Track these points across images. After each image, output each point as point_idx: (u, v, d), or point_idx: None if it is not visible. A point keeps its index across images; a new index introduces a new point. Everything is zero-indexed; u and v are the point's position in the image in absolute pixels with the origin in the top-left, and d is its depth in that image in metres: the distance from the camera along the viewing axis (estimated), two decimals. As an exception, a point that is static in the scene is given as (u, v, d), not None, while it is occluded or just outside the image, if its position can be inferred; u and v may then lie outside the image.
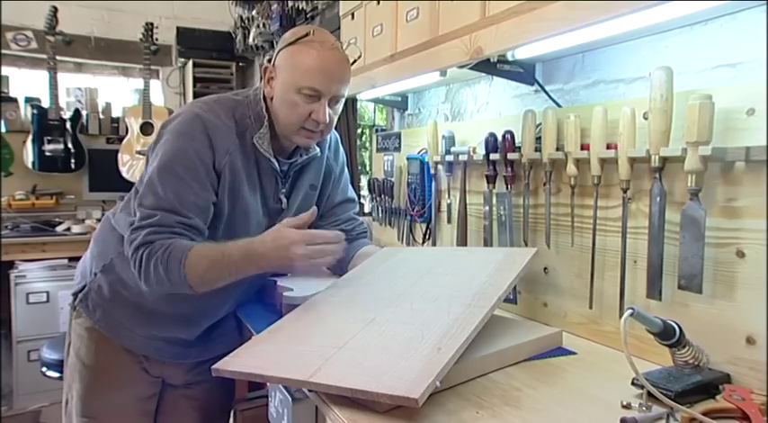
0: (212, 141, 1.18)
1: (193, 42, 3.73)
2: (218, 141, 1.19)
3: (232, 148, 1.21)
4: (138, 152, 3.38)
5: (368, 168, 3.34)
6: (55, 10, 3.28)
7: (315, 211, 1.19)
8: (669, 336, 0.93)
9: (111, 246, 1.31)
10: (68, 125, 3.42)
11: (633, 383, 0.91)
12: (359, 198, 3.38)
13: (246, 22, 3.53)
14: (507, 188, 1.40)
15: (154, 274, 1.11)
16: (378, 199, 2.10)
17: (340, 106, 1.26)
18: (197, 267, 1.10)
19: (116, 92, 3.90)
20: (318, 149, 1.36)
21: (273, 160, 1.26)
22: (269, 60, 1.27)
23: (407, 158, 1.87)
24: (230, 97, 1.28)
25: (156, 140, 1.23)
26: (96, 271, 1.31)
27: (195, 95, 3.67)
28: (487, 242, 1.49)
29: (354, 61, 1.28)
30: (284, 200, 1.32)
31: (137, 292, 1.25)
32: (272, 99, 1.24)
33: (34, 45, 3.47)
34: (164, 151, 1.18)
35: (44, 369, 2.28)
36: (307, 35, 1.20)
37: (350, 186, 1.54)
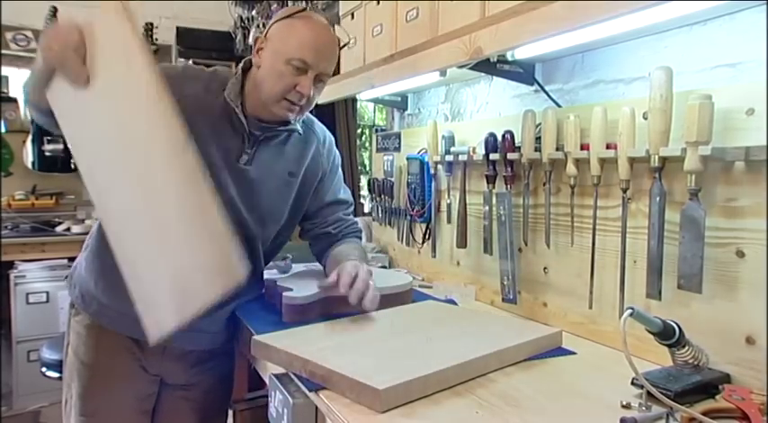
0: (181, 81, 1.21)
1: (193, 42, 3.72)
2: (188, 83, 1.23)
3: (201, 94, 1.24)
4: (138, 152, 3.38)
5: (368, 168, 3.34)
6: (55, 10, 3.28)
7: None
8: (669, 336, 0.93)
9: (95, 231, 1.36)
10: (68, 125, 3.41)
11: (633, 383, 0.91)
12: (359, 198, 3.39)
13: (246, 22, 3.52)
14: (507, 188, 1.40)
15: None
16: (378, 199, 2.10)
17: (322, 87, 1.28)
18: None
19: (116, 92, 3.89)
20: (299, 127, 1.35)
21: (239, 111, 1.25)
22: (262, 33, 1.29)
23: (407, 158, 1.87)
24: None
25: None
26: (84, 248, 1.38)
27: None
28: (487, 242, 1.49)
29: (344, 45, 1.32)
30: (245, 157, 1.29)
31: (108, 262, 1.18)
32: (258, 68, 1.25)
33: (34, 45, 3.47)
34: None
35: (44, 369, 2.28)
36: (304, 10, 1.25)
37: (343, 188, 1.52)
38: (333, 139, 1.50)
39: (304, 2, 2.87)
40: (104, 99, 1.00)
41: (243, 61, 1.31)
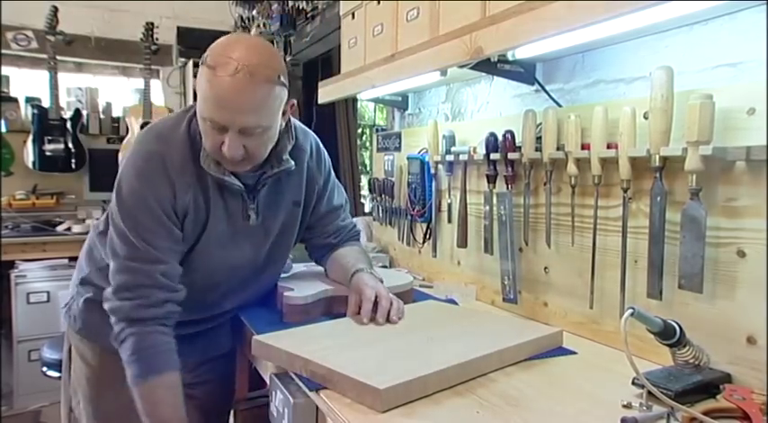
0: (172, 179, 1.14)
1: (194, 42, 3.72)
2: (178, 177, 1.15)
3: (192, 179, 1.17)
4: (139, 152, 3.38)
5: (368, 168, 3.34)
6: (55, 10, 3.28)
7: None
8: (670, 335, 0.93)
9: (93, 259, 1.32)
10: (69, 125, 3.42)
11: (634, 383, 0.91)
12: (359, 198, 3.39)
13: (247, 21, 3.53)
14: (508, 188, 1.40)
15: (121, 351, 1.13)
16: (378, 199, 2.10)
17: (264, 136, 1.12)
18: (140, 399, 1.12)
19: (116, 92, 3.89)
20: (293, 163, 1.25)
21: (228, 178, 1.17)
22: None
23: (408, 158, 1.87)
24: (182, 117, 1.21)
25: (123, 163, 1.19)
26: (77, 283, 1.34)
27: (195, 95, 3.66)
28: (488, 242, 1.49)
29: (282, 77, 1.10)
30: (253, 216, 1.25)
31: None
32: None
33: (34, 45, 3.47)
34: (125, 194, 1.15)
35: (44, 369, 2.28)
36: (206, 59, 1.06)
37: (338, 191, 1.47)
38: (317, 140, 1.42)
39: (305, 2, 2.87)
40: None
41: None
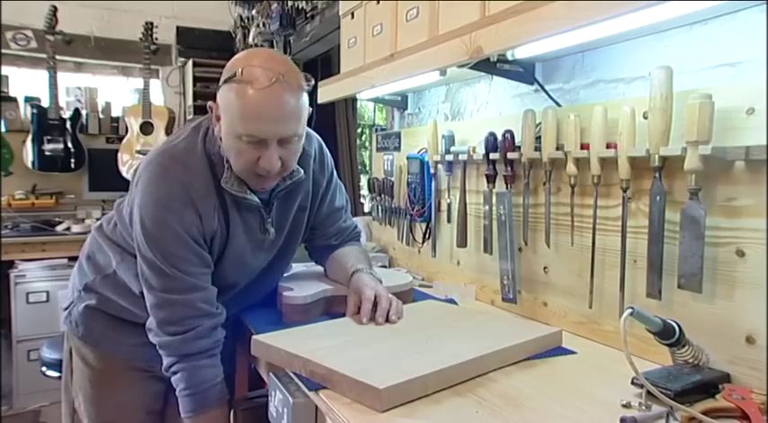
0: (198, 208, 1.12)
1: (193, 42, 3.72)
2: (203, 205, 1.13)
3: (216, 202, 1.15)
4: (138, 152, 3.38)
5: (368, 168, 3.34)
6: (54, 9, 3.28)
7: None
8: (669, 335, 0.93)
9: (95, 265, 1.31)
10: (68, 125, 3.41)
11: (633, 383, 0.91)
12: (359, 198, 3.39)
13: (246, 21, 3.53)
14: (507, 187, 1.40)
15: (177, 388, 1.16)
16: (378, 198, 2.10)
17: (297, 143, 1.13)
18: (181, 374, 1.14)
19: (116, 91, 3.89)
20: (303, 172, 1.24)
21: (249, 197, 1.18)
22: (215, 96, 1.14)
23: (407, 158, 1.87)
24: (194, 137, 1.18)
25: (138, 190, 1.15)
26: (80, 288, 1.32)
27: (195, 95, 3.66)
28: (487, 241, 1.49)
29: (309, 87, 1.12)
30: (271, 229, 1.26)
31: (119, 308, 1.28)
32: (221, 139, 1.13)
33: (34, 44, 3.47)
34: (149, 224, 1.12)
35: (44, 369, 2.27)
36: (235, 75, 1.05)
37: (339, 192, 1.47)
38: (320, 141, 1.41)
39: (304, 2, 2.87)
40: None
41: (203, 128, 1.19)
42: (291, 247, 1.38)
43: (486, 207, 1.47)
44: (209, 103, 1.15)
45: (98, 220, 3.33)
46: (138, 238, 1.15)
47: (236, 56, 1.12)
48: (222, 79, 1.08)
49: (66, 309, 1.37)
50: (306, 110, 1.12)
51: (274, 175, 1.13)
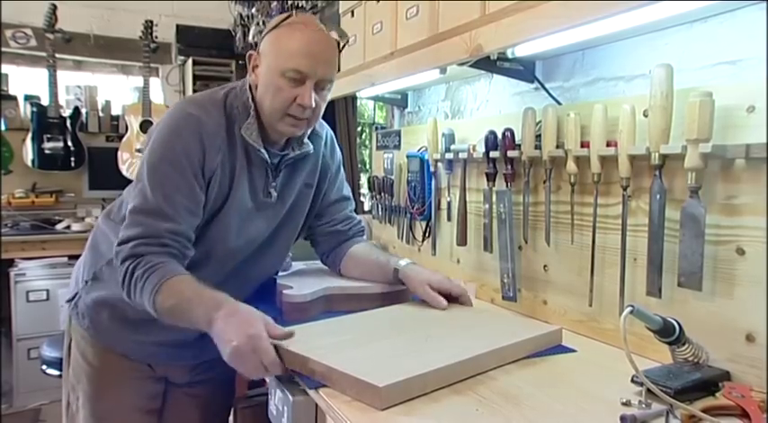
0: (203, 140, 1.16)
1: (193, 40, 3.71)
2: (210, 140, 1.17)
3: (223, 145, 1.19)
4: (138, 150, 3.38)
5: (368, 166, 3.34)
6: (54, 8, 3.27)
7: (292, 333, 1.05)
8: (669, 333, 0.93)
9: (101, 254, 1.31)
10: (68, 123, 3.41)
11: (633, 381, 0.91)
12: (359, 196, 3.39)
13: (246, 19, 3.52)
14: (507, 186, 1.40)
15: (133, 291, 1.11)
16: (377, 197, 2.10)
17: (327, 94, 1.22)
18: (166, 301, 1.07)
19: (116, 90, 3.89)
20: (312, 146, 1.32)
21: (263, 150, 1.22)
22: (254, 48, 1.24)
23: (407, 156, 1.87)
24: (218, 91, 1.26)
25: (149, 138, 1.22)
26: (87, 279, 1.32)
27: (195, 93, 3.65)
28: (487, 240, 1.49)
29: (344, 45, 1.24)
30: (274, 193, 1.29)
31: (123, 301, 1.25)
32: (256, 87, 1.21)
33: (33, 43, 3.46)
34: (152, 148, 1.17)
35: (44, 367, 2.27)
36: (289, 17, 1.18)
37: (345, 184, 1.52)
38: (332, 132, 1.48)
39: (304, 1, 2.87)
40: None
41: (243, 81, 1.26)
42: (293, 223, 1.38)
43: (486, 205, 1.47)
44: (250, 52, 1.23)
45: (98, 218, 3.34)
46: (141, 171, 1.18)
47: (275, 19, 1.21)
48: (271, 27, 1.18)
49: (71, 300, 1.36)
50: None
51: (304, 120, 1.20)
